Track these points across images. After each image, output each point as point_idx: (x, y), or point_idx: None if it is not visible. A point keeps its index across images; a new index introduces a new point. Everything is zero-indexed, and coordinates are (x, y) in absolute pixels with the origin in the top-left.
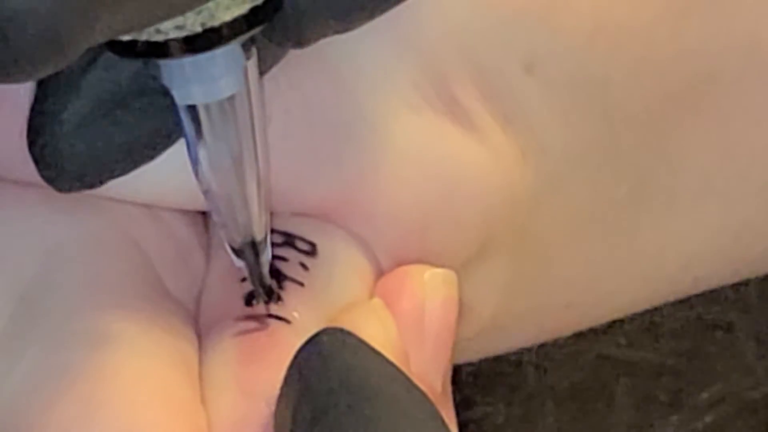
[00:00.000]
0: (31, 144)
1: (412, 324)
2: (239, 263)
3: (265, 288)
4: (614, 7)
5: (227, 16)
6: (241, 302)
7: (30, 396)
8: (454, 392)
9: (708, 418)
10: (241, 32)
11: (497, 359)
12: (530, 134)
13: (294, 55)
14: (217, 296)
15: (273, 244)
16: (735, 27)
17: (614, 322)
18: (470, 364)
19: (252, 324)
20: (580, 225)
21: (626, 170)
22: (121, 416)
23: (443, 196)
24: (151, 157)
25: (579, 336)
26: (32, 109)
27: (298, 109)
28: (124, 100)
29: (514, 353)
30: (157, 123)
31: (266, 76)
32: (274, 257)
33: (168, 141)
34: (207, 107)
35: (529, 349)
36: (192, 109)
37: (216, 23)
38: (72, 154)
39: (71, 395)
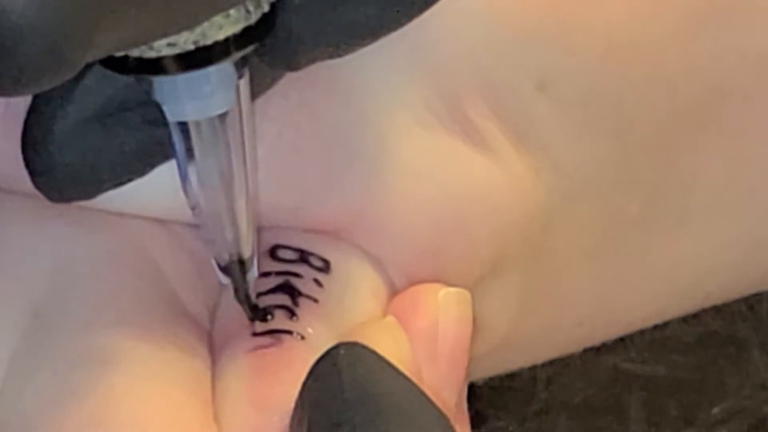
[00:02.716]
0: (24, 152)
1: (425, 343)
2: (225, 281)
3: (251, 306)
4: (626, 25)
5: (220, 35)
6: (252, 317)
7: (42, 416)
8: (467, 407)
9: None
10: (233, 51)
11: (510, 374)
12: (543, 153)
13: (306, 72)
14: (232, 312)
15: (287, 261)
16: (746, 44)
17: (626, 336)
18: (483, 379)
19: (266, 340)
20: (593, 243)
21: (638, 188)
22: None
23: (456, 215)
24: (143, 172)
25: (592, 351)
26: (26, 119)
27: (309, 125)
28: (115, 111)
29: (527, 368)
30: (148, 136)
31: (278, 93)
32: (289, 273)
33: (160, 155)
34: (198, 124)
35: (541, 364)
36: (183, 125)
37: (208, 42)
38: (63, 163)
39: (81, 416)
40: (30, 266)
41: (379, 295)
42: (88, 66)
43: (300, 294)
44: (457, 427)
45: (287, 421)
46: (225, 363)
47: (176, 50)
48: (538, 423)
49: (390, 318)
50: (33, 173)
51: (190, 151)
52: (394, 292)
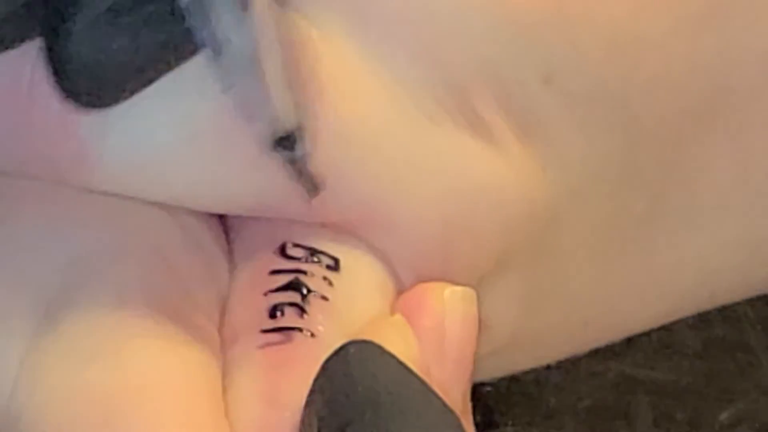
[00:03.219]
0: (47, 56)
1: (432, 341)
2: (280, 156)
3: (308, 181)
4: (631, 20)
5: None
6: (266, 315)
7: (54, 413)
8: (475, 411)
9: None
10: None
11: (517, 379)
12: (549, 147)
13: (309, 70)
14: (241, 309)
15: (297, 259)
16: (752, 40)
17: (633, 341)
18: (490, 383)
19: (276, 337)
20: (598, 240)
21: (644, 185)
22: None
23: (463, 209)
24: (168, 68)
25: (598, 355)
26: (44, 19)
27: (318, 119)
28: (132, 6)
29: (534, 372)
30: (167, 30)
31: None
32: (299, 271)
33: (184, 50)
34: None
35: (548, 368)
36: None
37: None
38: (83, 62)
39: (93, 414)
40: (42, 262)
41: (387, 292)
42: None
43: (310, 291)
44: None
45: (297, 417)
46: (235, 359)
47: None
48: (545, 427)
49: (398, 316)
50: (57, 76)
51: (213, 28)
52: (401, 289)
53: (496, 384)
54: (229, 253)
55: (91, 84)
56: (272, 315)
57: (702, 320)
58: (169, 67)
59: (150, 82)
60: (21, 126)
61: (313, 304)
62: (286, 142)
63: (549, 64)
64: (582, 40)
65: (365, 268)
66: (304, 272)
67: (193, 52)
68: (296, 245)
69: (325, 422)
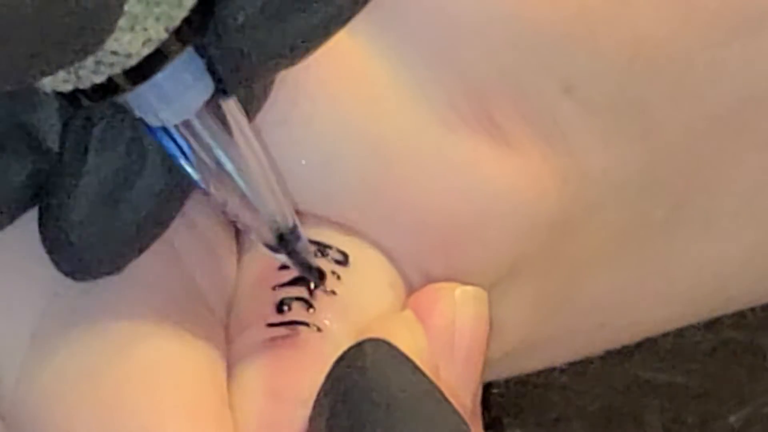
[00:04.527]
0: (45, 242)
1: (442, 340)
2: (281, 258)
3: (313, 272)
4: (654, 30)
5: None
6: (273, 309)
7: (58, 399)
8: (483, 413)
9: None
10: (178, 51)
11: (526, 381)
12: (570, 157)
13: (330, 68)
14: (248, 303)
15: None
16: None
17: (643, 343)
18: (500, 385)
19: (283, 331)
20: (615, 248)
21: (664, 193)
22: (146, 425)
23: (472, 214)
24: (164, 228)
25: (608, 358)
26: (41, 208)
27: (332, 117)
28: (125, 181)
29: (544, 375)
30: (161, 193)
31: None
32: None
33: (173, 211)
34: (200, 117)
35: (558, 371)
36: (186, 126)
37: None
38: (86, 244)
39: (97, 401)
40: None
41: (397, 289)
42: (87, 146)
43: (317, 286)
44: (471, 428)
45: (301, 411)
46: (241, 353)
47: (128, 64)
48: (554, 430)
49: (408, 312)
50: (56, 261)
51: (194, 152)
52: (410, 289)
53: (505, 386)
54: (238, 246)
55: (93, 264)
56: (279, 309)
57: (712, 323)
58: (168, 223)
59: (150, 243)
60: None
61: (321, 299)
62: (286, 241)
63: (570, 73)
64: (604, 49)
65: (375, 263)
66: None
67: (187, 194)
68: None
69: (337, 421)
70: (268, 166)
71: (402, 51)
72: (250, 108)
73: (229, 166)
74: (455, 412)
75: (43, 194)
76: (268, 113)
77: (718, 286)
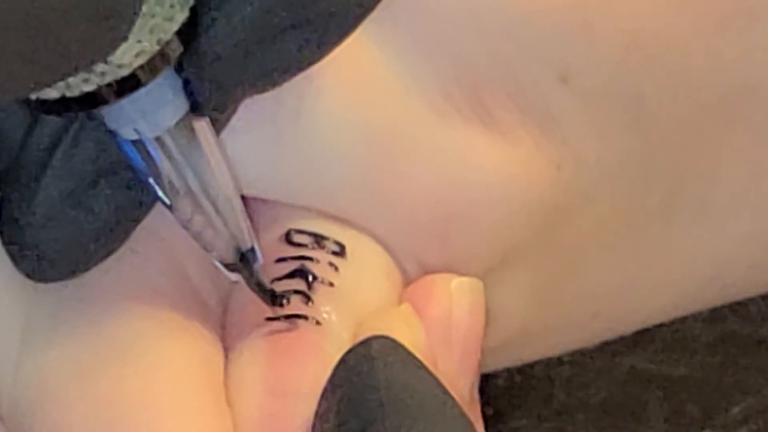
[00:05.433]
0: (5, 242)
1: (439, 331)
2: (235, 278)
3: (266, 293)
4: (650, 20)
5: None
6: (271, 303)
7: (54, 396)
8: (486, 406)
9: None
10: (165, 66)
11: (529, 373)
12: (564, 146)
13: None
14: (246, 297)
15: (302, 245)
16: None
17: (645, 335)
18: (502, 377)
19: (282, 325)
20: (610, 235)
21: (659, 182)
22: (141, 422)
23: (464, 202)
24: (126, 236)
25: (610, 350)
26: (0, 210)
27: (323, 107)
28: (88, 187)
29: (546, 367)
30: (124, 201)
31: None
32: (304, 258)
33: (138, 214)
34: (172, 133)
35: (560, 363)
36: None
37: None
38: (46, 248)
39: (93, 398)
40: None
41: (394, 280)
42: (54, 149)
43: (315, 278)
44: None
45: (300, 405)
46: (240, 348)
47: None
48: (557, 422)
49: (406, 305)
50: (16, 261)
51: (164, 167)
52: (406, 278)
53: (507, 378)
54: None
55: (54, 266)
56: (278, 303)
57: (714, 315)
58: (130, 231)
59: (113, 251)
60: None
61: (319, 291)
62: (244, 261)
63: (566, 62)
64: (600, 39)
65: (371, 253)
66: (310, 258)
67: (150, 208)
68: (301, 232)
69: (345, 418)
70: (232, 185)
71: (395, 40)
72: (219, 122)
73: (195, 184)
74: (460, 409)
75: (5, 189)
76: (255, 112)
77: (713, 275)
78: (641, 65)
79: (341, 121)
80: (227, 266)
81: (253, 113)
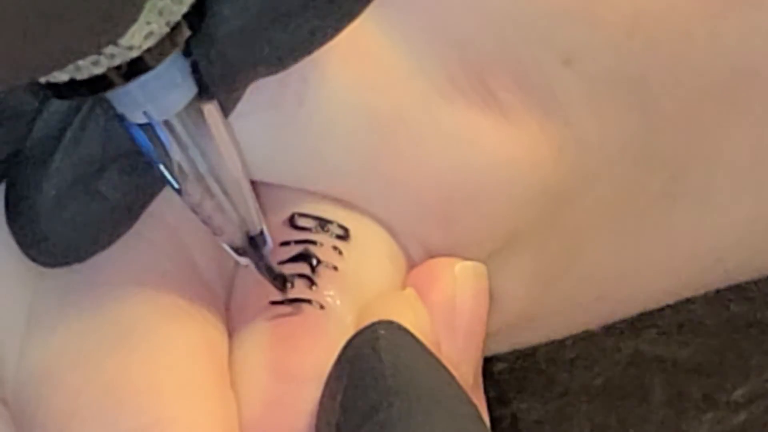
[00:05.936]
0: (12, 226)
1: (443, 315)
2: (244, 261)
3: (276, 277)
4: (652, 3)
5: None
6: (281, 287)
7: (59, 380)
8: (489, 388)
9: (742, 416)
10: (173, 48)
11: (531, 356)
12: (567, 128)
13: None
14: (250, 281)
15: (306, 229)
16: None
17: (648, 318)
18: (505, 360)
19: (286, 309)
20: (613, 219)
21: (661, 165)
22: (146, 407)
23: (468, 185)
24: (133, 220)
25: (613, 332)
26: (7, 194)
27: (327, 89)
28: (96, 172)
29: (548, 350)
30: (132, 186)
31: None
32: (308, 242)
33: (145, 200)
34: (181, 116)
35: (562, 345)
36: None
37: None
38: (54, 232)
39: (98, 382)
40: None
41: (398, 263)
42: (62, 134)
43: (319, 262)
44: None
45: (304, 389)
46: (244, 331)
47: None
48: (560, 405)
49: (410, 290)
50: (23, 246)
51: (174, 151)
52: (410, 261)
53: (510, 361)
54: None
55: (60, 251)
56: (282, 286)
57: (717, 298)
58: (136, 217)
59: (118, 237)
60: None
61: (323, 275)
62: (254, 245)
63: (569, 45)
64: (603, 21)
65: (375, 237)
66: (313, 242)
67: (158, 192)
68: (305, 215)
69: (350, 403)
70: (241, 168)
71: (399, 23)
72: (227, 106)
73: (204, 168)
74: (465, 394)
75: (12, 173)
76: (259, 96)
77: (715, 258)
78: (644, 48)
79: (345, 105)
80: (236, 250)
81: (257, 97)
